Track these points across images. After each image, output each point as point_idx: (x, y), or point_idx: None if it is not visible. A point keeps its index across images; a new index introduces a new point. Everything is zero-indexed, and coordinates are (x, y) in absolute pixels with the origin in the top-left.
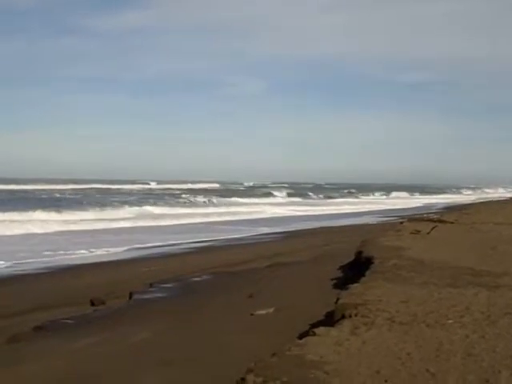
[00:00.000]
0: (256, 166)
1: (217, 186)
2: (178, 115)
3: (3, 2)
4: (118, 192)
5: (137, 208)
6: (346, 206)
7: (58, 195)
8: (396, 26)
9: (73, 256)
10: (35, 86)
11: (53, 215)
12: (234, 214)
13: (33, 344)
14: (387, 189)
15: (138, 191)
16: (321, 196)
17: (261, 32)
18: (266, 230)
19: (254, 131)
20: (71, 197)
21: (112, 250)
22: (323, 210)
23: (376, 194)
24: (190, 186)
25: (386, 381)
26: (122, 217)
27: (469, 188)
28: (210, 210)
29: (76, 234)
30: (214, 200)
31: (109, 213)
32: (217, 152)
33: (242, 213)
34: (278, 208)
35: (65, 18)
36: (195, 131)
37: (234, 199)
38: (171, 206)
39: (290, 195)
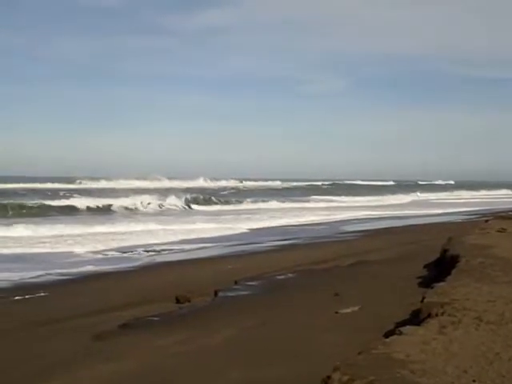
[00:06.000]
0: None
1: (327, 183)
2: (255, 113)
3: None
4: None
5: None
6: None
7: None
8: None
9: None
10: (116, 83)
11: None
12: None
13: (118, 341)
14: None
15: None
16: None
17: (344, 29)
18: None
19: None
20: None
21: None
22: None
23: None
24: (295, 183)
25: (473, 381)
26: None
27: None
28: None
29: None
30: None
31: None
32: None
33: None
34: None
35: (145, 17)
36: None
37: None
38: None
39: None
